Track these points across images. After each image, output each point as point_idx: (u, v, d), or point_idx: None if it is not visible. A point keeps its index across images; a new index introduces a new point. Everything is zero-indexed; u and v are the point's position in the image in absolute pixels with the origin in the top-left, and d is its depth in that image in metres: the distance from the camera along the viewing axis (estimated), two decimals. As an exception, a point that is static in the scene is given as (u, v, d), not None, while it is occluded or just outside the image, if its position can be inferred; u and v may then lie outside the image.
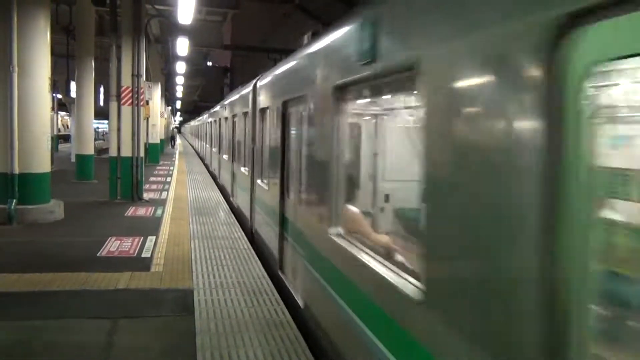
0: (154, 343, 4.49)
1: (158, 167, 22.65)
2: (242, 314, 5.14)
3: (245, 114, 9.97)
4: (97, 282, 6.09)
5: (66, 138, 38.59)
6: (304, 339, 4.60)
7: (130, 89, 12.41)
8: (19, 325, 4.76)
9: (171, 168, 22.67)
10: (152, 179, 17.54)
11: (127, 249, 7.74)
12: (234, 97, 12.62)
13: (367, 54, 3.32)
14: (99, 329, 4.72)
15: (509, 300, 1.84)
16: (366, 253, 3.58)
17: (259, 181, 8.31)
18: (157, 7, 15.72)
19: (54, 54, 10.14)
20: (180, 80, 34.37)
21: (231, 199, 12.69)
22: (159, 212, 11.13)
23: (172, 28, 19.52)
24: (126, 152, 12.57)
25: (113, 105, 12.71)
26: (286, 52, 9.55)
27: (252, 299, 5.59)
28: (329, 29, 4.66)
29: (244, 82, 15.72)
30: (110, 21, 13.35)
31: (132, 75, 12.36)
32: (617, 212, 1.88)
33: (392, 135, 5.16)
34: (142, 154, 12.86)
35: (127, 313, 5.15)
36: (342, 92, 4.04)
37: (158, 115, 26.91)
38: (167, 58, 27.40)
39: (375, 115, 5.25)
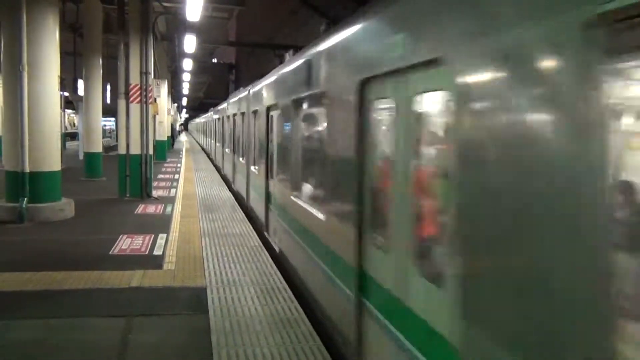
0: (170, 341, 4.50)
1: (165, 165, 22.69)
2: (256, 311, 5.14)
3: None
4: (110, 280, 6.10)
5: (73, 136, 38.73)
6: None
7: (138, 86, 12.43)
8: (35, 324, 4.78)
9: (178, 165, 22.72)
10: (160, 176, 17.58)
11: (139, 247, 7.76)
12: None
13: None
14: (114, 327, 4.73)
15: None
16: None
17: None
18: (164, 4, 15.71)
19: (61, 52, 10.14)
20: (186, 77, 34.41)
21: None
22: (169, 209, 11.15)
23: (178, 25, 19.52)
24: (135, 149, 12.60)
25: (121, 103, 12.74)
26: (293, 49, 9.50)
27: (266, 296, 5.59)
28: None
29: (249, 78, 15.71)
30: (118, 19, 13.37)
31: (141, 72, 12.37)
32: None
33: None
34: (151, 151, 12.88)
35: (142, 311, 5.16)
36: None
37: (165, 112, 26.96)
38: (174, 55, 27.43)
39: None
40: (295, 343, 4.44)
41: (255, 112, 10.30)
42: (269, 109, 8.62)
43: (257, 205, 9.83)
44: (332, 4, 14.63)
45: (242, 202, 11.99)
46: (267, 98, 8.67)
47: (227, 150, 17.00)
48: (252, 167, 10.72)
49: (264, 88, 9.07)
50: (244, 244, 7.99)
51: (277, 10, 25.47)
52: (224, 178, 17.35)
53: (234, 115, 14.40)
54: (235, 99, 14.50)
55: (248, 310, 5.16)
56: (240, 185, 13.00)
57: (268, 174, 8.73)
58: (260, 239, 8.46)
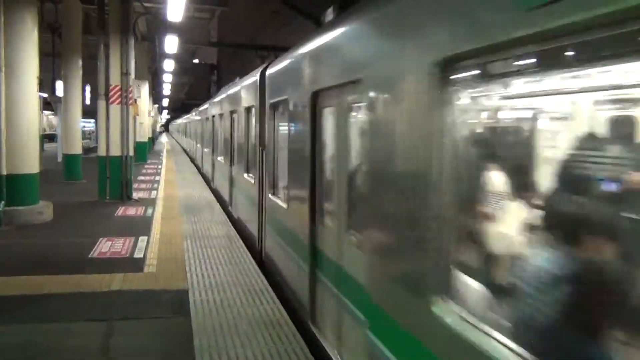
0: (152, 344, 4.48)
1: (146, 166, 22.49)
2: (239, 313, 5.13)
3: None
4: (90, 283, 6.04)
5: (51, 137, 38.12)
6: None
7: (119, 87, 12.31)
8: (14, 329, 4.71)
9: (159, 166, 22.53)
10: (140, 177, 17.42)
11: (119, 250, 7.69)
12: None
13: None
14: (95, 332, 4.69)
15: None
16: None
17: None
18: (145, 4, 15.57)
19: (39, 52, 10.01)
20: (167, 78, 34.13)
21: None
22: (150, 211, 11.06)
23: (159, 25, 19.37)
24: (115, 151, 12.48)
25: (101, 104, 12.58)
26: (276, 50, 9.25)
27: (248, 298, 5.59)
28: None
29: (231, 79, 15.27)
30: (98, 19, 13.21)
31: (121, 73, 12.27)
32: None
33: None
34: (131, 152, 12.77)
35: (123, 315, 5.12)
36: None
37: (146, 113, 26.70)
38: (154, 56, 27.20)
39: None
40: (278, 344, 4.45)
41: (274, 105, 6.76)
42: (316, 96, 4.75)
43: (287, 266, 5.83)
44: (314, 4, 14.65)
45: (252, 246, 7.99)
46: (317, 78, 4.82)
47: (219, 158, 13.66)
48: (270, 195, 6.92)
49: (308, 62, 5.14)
50: (225, 246, 7.96)
51: (260, 11, 25.41)
52: (215, 192, 14.05)
53: (232, 112, 11.17)
54: (235, 90, 10.82)
55: (230, 312, 5.15)
56: (247, 216, 9.04)
57: (315, 215, 4.79)
58: (297, 328, 4.88)
